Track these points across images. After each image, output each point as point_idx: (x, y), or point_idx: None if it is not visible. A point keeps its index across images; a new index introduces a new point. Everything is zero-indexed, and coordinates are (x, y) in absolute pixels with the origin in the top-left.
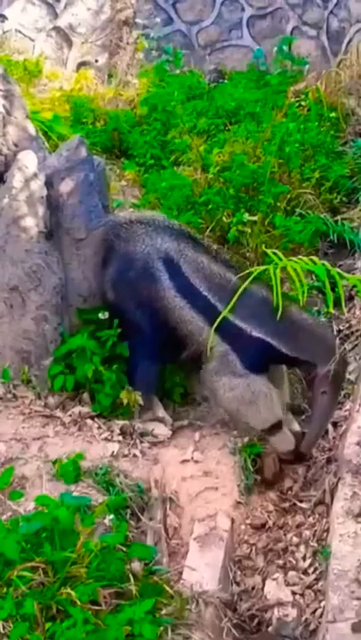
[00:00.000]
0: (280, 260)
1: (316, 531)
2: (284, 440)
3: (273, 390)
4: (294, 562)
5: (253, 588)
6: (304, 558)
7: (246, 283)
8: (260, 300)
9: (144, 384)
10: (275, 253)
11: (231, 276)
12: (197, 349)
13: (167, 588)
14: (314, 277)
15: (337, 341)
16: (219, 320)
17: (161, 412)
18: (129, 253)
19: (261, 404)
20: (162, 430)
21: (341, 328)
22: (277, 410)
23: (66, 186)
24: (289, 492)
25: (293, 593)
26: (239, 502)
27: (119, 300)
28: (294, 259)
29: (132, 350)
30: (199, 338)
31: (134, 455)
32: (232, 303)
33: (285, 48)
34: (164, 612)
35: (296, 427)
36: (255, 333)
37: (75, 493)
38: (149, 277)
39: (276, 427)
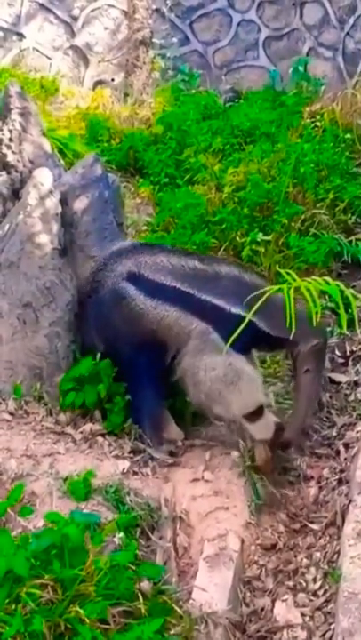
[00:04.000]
0: (294, 280)
1: (326, 552)
2: (264, 427)
3: (256, 372)
4: (304, 583)
5: (263, 610)
6: (314, 580)
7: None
8: (233, 279)
9: (151, 423)
10: (288, 273)
11: (195, 263)
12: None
13: (176, 608)
14: (327, 298)
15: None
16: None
17: (174, 433)
18: (98, 298)
19: (244, 384)
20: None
21: (354, 349)
22: (260, 391)
23: (80, 203)
24: (300, 513)
25: (303, 615)
26: (249, 522)
27: (107, 343)
28: (308, 279)
29: (133, 391)
30: (178, 328)
31: (145, 473)
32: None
33: (301, 69)
34: (172, 631)
35: (273, 418)
36: (234, 310)
37: (85, 511)
38: (119, 299)
39: (257, 413)
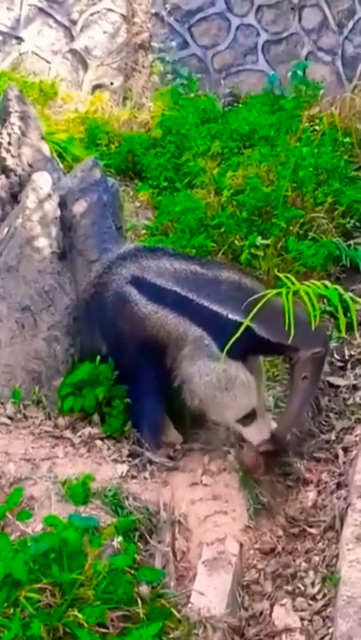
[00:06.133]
0: (293, 283)
1: (325, 556)
2: (258, 430)
3: (250, 377)
4: (303, 587)
5: (261, 614)
6: (313, 584)
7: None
8: (233, 284)
9: (150, 427)
10: (287, 277)
11: (196, 267)
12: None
13: (175, 612)
14: (326, 302)
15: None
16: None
17: (172, 436)
18: (102, 300)
19: (238, 390)
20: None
21: (353, 353)
22: (253, 397)
23: (79, 207)
24: (298, 517)
25: (302, 619)
26: (248, 526)
27: (110, 346)
28: (307, 283)
29: (134, 394)
30: (177, 333)
31: (144, 477)
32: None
33: (300, 73)
34: (171, 635)
35: (274, 425)
36: (232, 316)
37: (83, 515)
38: (122, 302)
39: (250, 417)
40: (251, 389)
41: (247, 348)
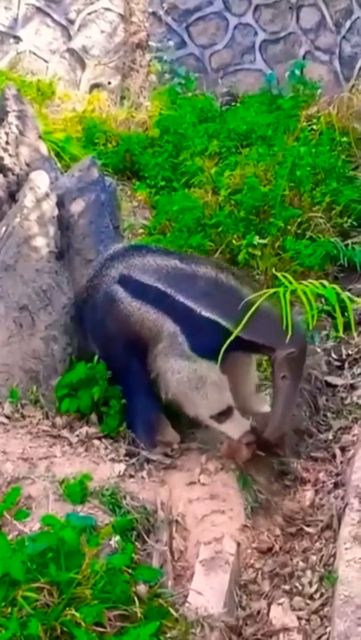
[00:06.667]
0: (290, 283)
1: (322, 556)
2: (235, 426)
3: (222, 377)
4: (300, 587)
5: (259, 613)
6: (310, 583)
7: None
8: (210, 280)
9: (144, 427)
10: (285, 276)
11: (176, 263)
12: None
13: (172, 612)
14: (324, 301)
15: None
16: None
17: (169, 435)
18: (93, 302)
19: (209, 389)
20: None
21: (351, 352)
22: (225, 396)
23: (77, 206)
24: (296, 517)
25: (299, 618)
26: (246, 526)
27: (101, 347)
28: (304, 282)
29: (127, 394)
30: (155, 329)
31: (141, 477)
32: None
33: (298, 72)
34: (168, 635)
35: (266, 408)
36: (205, 313)
37: (81, 514)
38: (111, 302)
39: (225, 414)
40: (222, 389)
41: (220, 346)
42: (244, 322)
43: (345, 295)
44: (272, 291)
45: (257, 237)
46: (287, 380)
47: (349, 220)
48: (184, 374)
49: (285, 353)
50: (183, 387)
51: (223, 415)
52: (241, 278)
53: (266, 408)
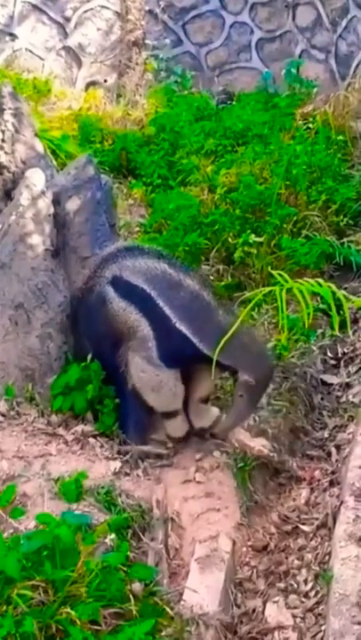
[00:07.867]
0: (286, 281)
1: (318, 554)
2: (175, 427)
3: (179, 386)
4: (295, 585)
5: (254, 611)
6: (305, 582)
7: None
8: (193, 294)
9: (136, 427)
10: (280, 275)
11: (165, 267)
12: None
13: (167, 610)
14: (319, 299)
15: (264, 350)
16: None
17: (164, 434)
18: (87, 303)
19: (164, 393)
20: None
21: (346, 351)
22: (178, 403)
23: (73, 204)
24: (291, 515)
25: (294, 616)
26: (241, 524)
27: (94, 347)
28: (300, 280)
29: (119, 396)
30: (135, 328)
31: (137, 475)
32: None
33: (294, 71)
34: (163, 633)
35: (215, 412)
36: (178, 325)
37: (76, 512)
38: (102, 302)
39: (171, 415)
40: (177, 396)
41: (189, 358)
42: (219, 347)
43: (341, 293)
44: (268, 289)
45: (253, 236)
46: (244, 399)
47: (345, 219)
48: (146, 375)
49: (243, 380)
50: (143, 384)
51: (170, 415)
52: (221, 302)
53: (207, 421)
